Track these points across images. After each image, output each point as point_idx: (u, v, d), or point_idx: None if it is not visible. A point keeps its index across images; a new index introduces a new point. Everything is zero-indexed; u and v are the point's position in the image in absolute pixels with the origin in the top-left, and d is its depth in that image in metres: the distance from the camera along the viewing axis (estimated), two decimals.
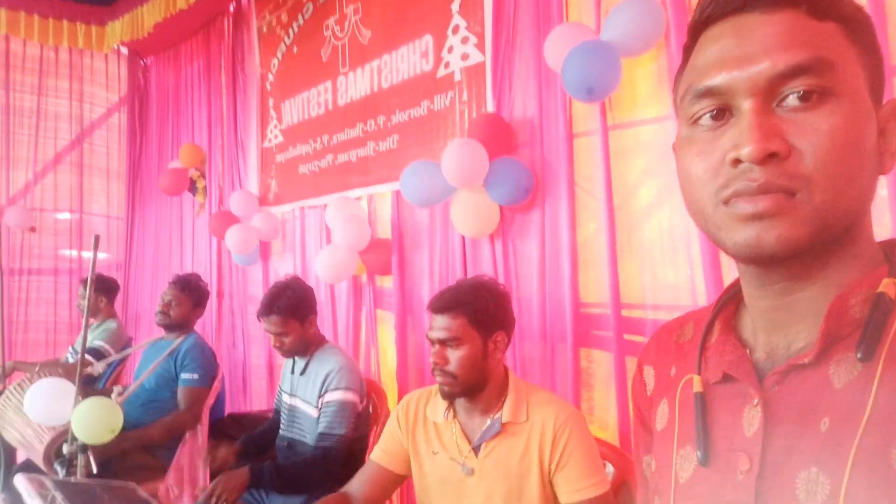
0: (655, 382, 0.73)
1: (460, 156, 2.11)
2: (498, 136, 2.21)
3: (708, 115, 0.55)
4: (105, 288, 3.53)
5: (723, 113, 0.54)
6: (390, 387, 2.71)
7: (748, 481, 0.55)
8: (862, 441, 0.48)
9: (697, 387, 0.63)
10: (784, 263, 0.54)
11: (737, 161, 0.52)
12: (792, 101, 0.51)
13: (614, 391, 1.95)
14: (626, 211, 2.02)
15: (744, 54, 0.53)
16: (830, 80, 0.51)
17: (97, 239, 2.06)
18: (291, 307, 2.14)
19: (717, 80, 0.54)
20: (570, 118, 2.12)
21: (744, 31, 0.53)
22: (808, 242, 0.51)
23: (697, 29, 0.58)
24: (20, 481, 1.70)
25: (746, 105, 0.52)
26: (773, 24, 0.52)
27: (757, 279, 0.58)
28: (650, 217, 1.98)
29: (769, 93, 0.52)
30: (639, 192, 2.02)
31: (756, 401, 0.56)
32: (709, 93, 0.54)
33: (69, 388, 2.07)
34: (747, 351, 0.61)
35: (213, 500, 1.81)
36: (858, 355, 0.50)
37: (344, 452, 2.05)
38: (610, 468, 1.59)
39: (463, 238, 2.41)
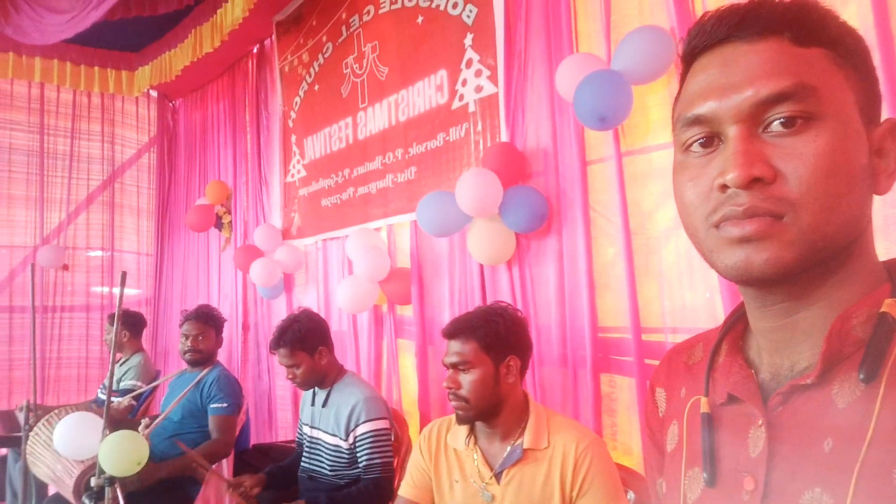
0: (667, 404, 0.74)
1: (474, 185, 2.14)
2: (512, 165, 2.24)
3: (698, 142, 0.57)
4: (129, 323, 3.60)
5: (711, 140, 0.56)
6: (412, 415, 2.71)
7: (753, 501, 0.55)
8: (865, 461, 0.48)
9: (704, 408, 0.63)
10: (780, 285, 0.55)
11: (724, 187, 0.53)
12: (776, 126, 0.53)
13: (637, 416, 1.93)
14: (644, 235, 2.02)
15: (729, 83, 0.54)
16: (814, 105, 0.52)
17: (124, 276, 2.13)
18: (299, 340, 2.19)
19: (704, 108, 0.55)
20: (584, 145, 2.14)
21: (729, 61, 0.55)
22: (797, 264, 0.52)
23: (688, 59, 0.60)
24: None
25: (732, 132, 0.54)
26: (756, 53, 0.54)
27: (756, 300, 0.59)
28: (668, 241, 1.98)
29: (754, 120, 0.53)
30: (656, 217, 2.02)
31: (760, 422, 0.57)
32: (697, 121, 0.56)
33: (96, 422, 2.12)
34: (753, 372, 0.61)
35: None
36: (861, 376, 0.51)
37: (391, 478, 2.07)
38: (631, 495, 1.57)
39: (481, 266, 2.43)
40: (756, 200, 0.52)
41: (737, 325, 0.67)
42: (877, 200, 0.57)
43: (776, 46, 0.54)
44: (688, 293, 1.93)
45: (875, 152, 0.55)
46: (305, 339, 2.20)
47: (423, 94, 2.78)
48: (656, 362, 1.91)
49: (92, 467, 2.23)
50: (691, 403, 0.67)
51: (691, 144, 0.57)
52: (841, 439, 0.51)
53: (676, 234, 1.96)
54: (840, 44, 0.55)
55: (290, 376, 2.23)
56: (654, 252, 2.00)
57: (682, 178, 0.58)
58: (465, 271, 2.52)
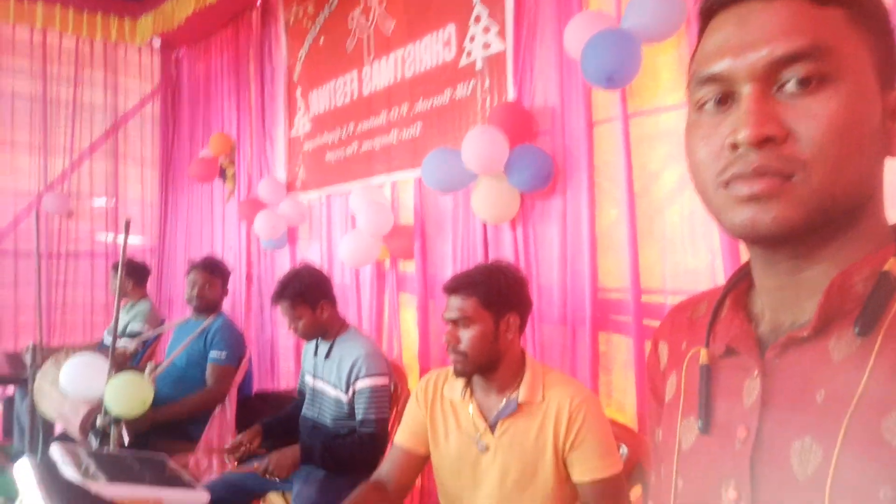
0: (668, 357, 0.75)
1: (480, 143, 2.14)
2: (518, 124, 2.24)
3: (711, 101, 0.57)
4: (134, 272, 3.64)
5: (725, 99, 0.56)
6: (413, 369, 2.76)
7: (744, 449, 0.57)
8: (855, 412, 0.50)
9: (703, 359, 0.64)
10: (786, 244, 0.56)
11: (735, 145, 0.53)
12: (791, 86, 0.52)
13: (633, 375, 1.97)
14: (648, 198, 2.03)
15: (744, 41, 0.54)
16: (829, 66, 0.52)
17: (128, 223, 2.15)
18: (300, 293, 2.22)
19: (719, 66, 0.55)
20: (590, 105, 2.13)
21: (745, 19, 0.55)
22: (804, 224, 0.52)
23: (705, 17, 0.60)
24: (55, 450, 1.78)
25: (746, 91, 0.54)
26: (773, 11, 0.54)
27: (762, 259, 0.60)
28: (672, 203, 1.99)
29: (768, 79, 0.53)
30: (661, 179, 2.02)
31: (756, 373, 0.58)
32: (711, 79, 0.56)
33: (102, 364, 2.16)
34: (753, 326, 0.62)
35: (267, 475, 1.89)
36: (856, 330, 0.52)
37: (385, 434, 2.12)
38: (624, 449, 1.61)
39: (484, 224, 2.44)
40: (766, 160, 0.52)
41: (741, 283, 0.67)
42: (889, 165, 0.57)
43: (794, 5, 0.53)
44: (690, 256, 1.94)
45: (890, 115, 0.55)
46: (307, 294, 2.23)
47: (431, 50, 2.76)
48: (656, 323, 1.95)
49: (98, 407, 2.29)
50: (691, 355, 0.68)
51: (705, 103, 0.57)
52: (833, 391, 0.52)
53: (680, 197, 1.97)
54: (859, 4, 0.54)
55: (291, 327, 2.27)
56: (658, 214, 2.01)
57: (695, 137, 0.58)
58: (468, 229, 2.54)
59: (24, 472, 1.14)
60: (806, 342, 0.56)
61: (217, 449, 2.52)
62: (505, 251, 2.36)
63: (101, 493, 1.29)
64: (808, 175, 0.51)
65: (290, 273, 2.32)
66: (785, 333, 0.58)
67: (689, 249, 1.94)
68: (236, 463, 2.16)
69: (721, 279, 1.80)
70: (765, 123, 0.52)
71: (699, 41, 0.61)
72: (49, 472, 1.16)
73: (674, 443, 0.66)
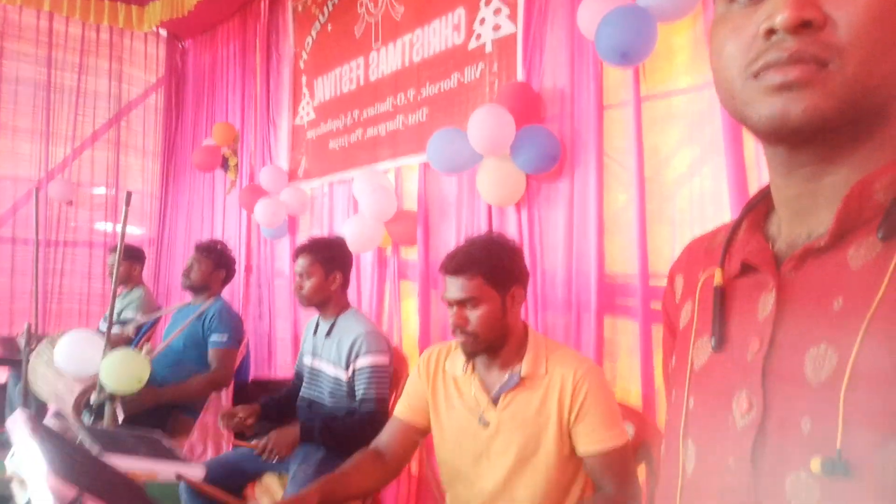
0: (683, 288, 0.74)
1: (487, 122, 2.11)
2: (526, 105, 2.20)
3: None
4: (138, 256, 3.62)
5: None
6: (413, 357, 2.71)
7: (757, 359, 0.55)
8: (874, 317, 0.48)
9: (718, 279, 0.63)
10: (811, 143, 0.54)
11: (769, 32, 0.51)
12: None
13: (639, 360, 1.93)
14: (658, 182, 2.00)
15: None
16: None
17: (129, 195, 2.11)
18: (322, 254, 2.22)
19: None
20: (601, 88, 2.10)
21: None
22: (835, 116, 0.51)
23: None
24: (50, 423, 1.74)
25: None
26: None
27: (784, 164, 0.58)
28: (682, 187, 1.96)
29: None
30: (671, 163, 1.99)
31: (771, 286, 0.57)
32: None
33: (98, 340, 2.12)
34: (770, 244, 0.61)
35: (266, 454, 1.86)
36: (880, 235, 0.50)
37: (385, 413, 2.07)
38: (630, 428, 1.57)
39: (489, 207, 2.40)
40: (803, 45, 0.50)
41: (759, 206, 0.66)
42: None
43: None
44: None
45: None
46: (327, 258, 2.22)
47: (439, 34, 2.73)
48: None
49: (92, 387, 2.25)
50: (705, 278, 0.67)
51: None
52: (851, 297, 0.50)
53: (690, 181, 1.94)
54: None
55: (297, 286, 2.25)
56: (668, 198, 1.98)
57: (723, 30, 0.56)
58: (472, 212, 2.50)
59: (17, 424, 1.10)
60: (823, 252, 0.54)
61: (214, 420, 2.47)
62: (510, 234, 2.32)
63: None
64: (843, 63, 0.49)
65: (326, 237, 2.34)
66: (801, 246, 0.56)
67: (698, 234, 1.90)
68: (232, 434, 2.13)
69: None
70: (804, 7, 0.50)
71: None
72: (43, 426, 1.12)
73: (686, 365, 0.65)
